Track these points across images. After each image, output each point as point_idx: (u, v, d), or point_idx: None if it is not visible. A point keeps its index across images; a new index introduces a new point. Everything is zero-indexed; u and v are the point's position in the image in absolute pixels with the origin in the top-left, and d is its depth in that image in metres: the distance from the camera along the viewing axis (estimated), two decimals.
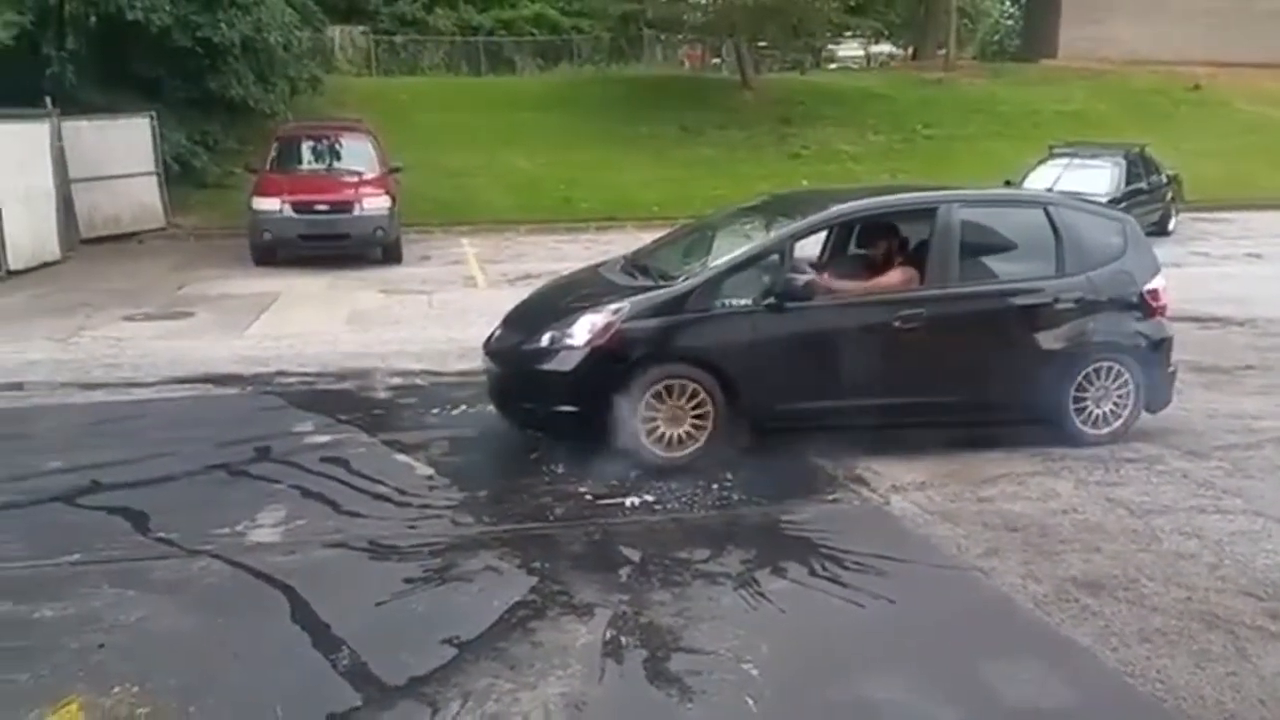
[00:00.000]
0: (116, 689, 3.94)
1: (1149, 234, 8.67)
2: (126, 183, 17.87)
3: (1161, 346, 7.06)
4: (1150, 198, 17.49)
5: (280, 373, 9.05)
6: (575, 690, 3.97)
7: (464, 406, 7.76)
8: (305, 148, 16.87)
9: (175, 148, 18.91)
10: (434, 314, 11.98)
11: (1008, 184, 14.85)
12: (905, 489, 6.10)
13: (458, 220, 19.48)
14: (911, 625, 4.58)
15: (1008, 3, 47.97)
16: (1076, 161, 17.36)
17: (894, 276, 6.91)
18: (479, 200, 20.52)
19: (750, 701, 3.91)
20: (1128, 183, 16.96)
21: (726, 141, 25.14)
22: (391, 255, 15.59)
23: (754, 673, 4.10)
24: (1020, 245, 7.11)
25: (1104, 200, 13.00)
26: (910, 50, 41.17)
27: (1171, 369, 7.16)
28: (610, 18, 31.85)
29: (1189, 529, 5.57)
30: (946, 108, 27.90)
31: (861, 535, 5.48)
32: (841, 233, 7.79)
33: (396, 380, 8.74)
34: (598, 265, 7.94)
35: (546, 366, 6.39)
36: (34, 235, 14.88)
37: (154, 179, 18.36)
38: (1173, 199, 18.58)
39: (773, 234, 6.82)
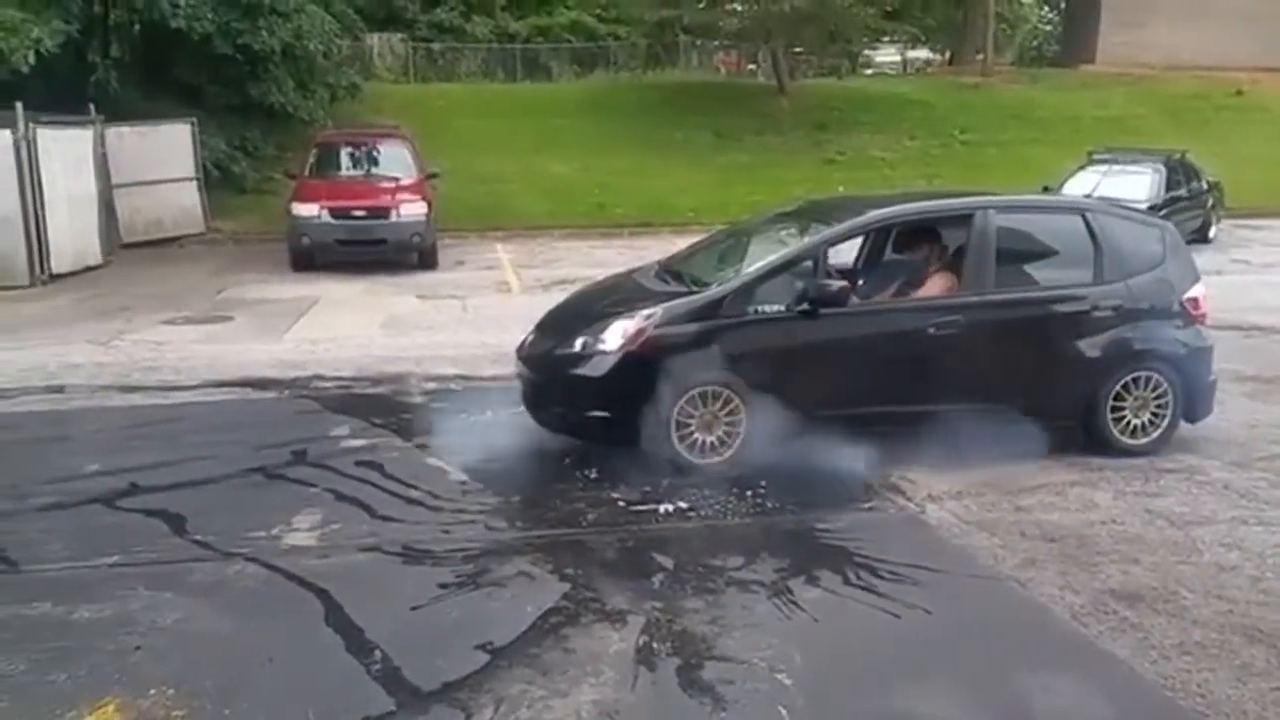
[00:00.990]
0: (153, 691, 3.97)
1: (1189, 241, 8.55)
2: (167, 188, 18.12)
3: (1201, 355, 6.95)
4: (1190, 204, 17.27)
5: (317, 377, 9.12)
6: (608, 698, 3.96)
7: (498, 411, 7.78)
8: (343, 154, 17.03)
9: (215, 153, 19.18)
10: (468, 319, 12.04)
11: (1046, 190, 14.72)
12: (941, 498, 6.05)
13: (493, 226, 19.59)
14: (947, 636, 4.53)
15: (1046, 8, 47.61)
16: (1116, 168, 17.19)
17: (935, 285, 6.86)
18: (514, 206, 20.62)
19: (783, 711, 3.88)
20: (1168, 189, 16.75)
21: (762, 147, 25.08)
22: (427, 260, 15.70)
23: (787, 682, 4.07)
24: (1058, 252, 7.05)
25: (1144, 207, 12.86)
26: (947, 56, 40.93)
27: (1212, 378, 7.04)
28: (646, 24, 31.85)
29: (1230, 541, 5.48)
30: (984, 113, 27.70)
31: (897, 544, 5.44)
32: (877, 238, 7.75)
33: (431, 385, 8.78)
34: (632, 271, 7.94)
35: (579, 371, 6.39)
36: (76, 239, 15.13)
37: (194, 184, 18.61)
38: (1213, 206, 18.34)
39: (806, 240, 6.79)
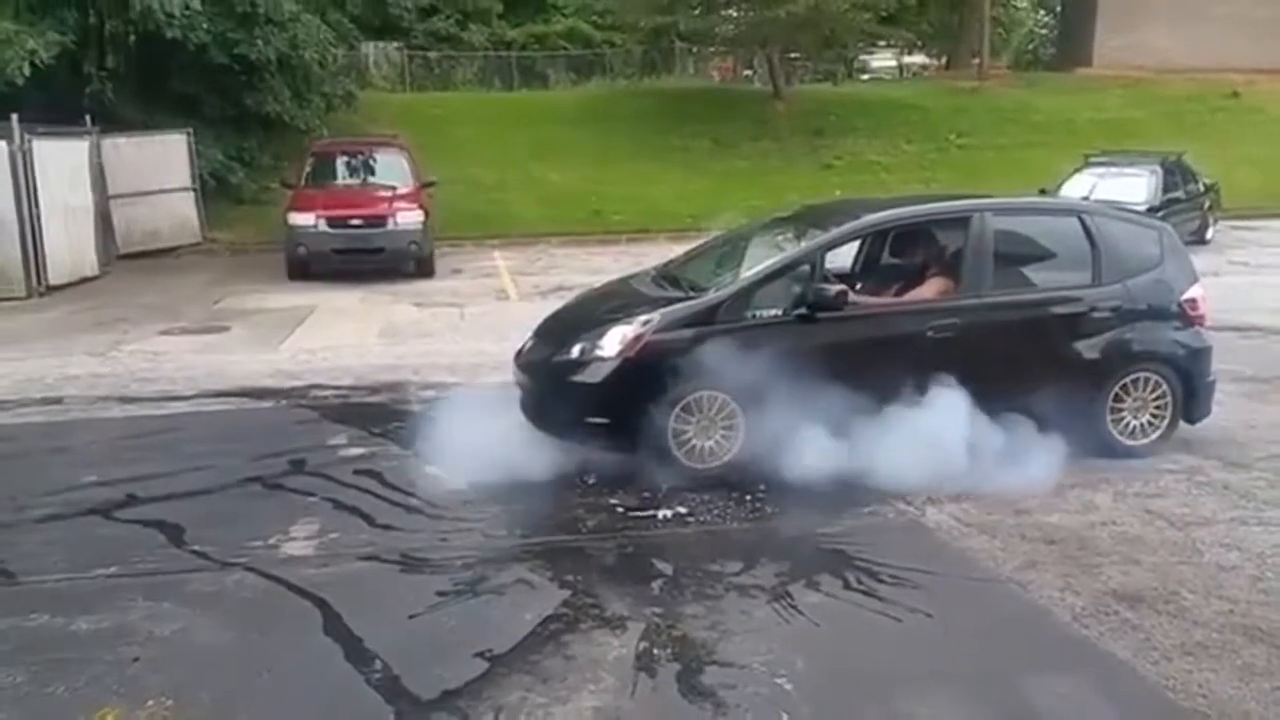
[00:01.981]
0: (151, 702, 3.96)
1: (1187, 243, 8.54)
2: (164, 198, 18.13)
3: (1200, 356, 6.95)
4: (1188, 206, 17.29)
5: (314, 386, 9.11)
6: (608, 704, 3.95)
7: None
8: (340, 163, 17.05)
9: (212, 164, 19.17)
10: (466, 327, 12.03)
11: (1043, 193, 14.71)
12: (941, 501, 6.03)
13: (490, 233, 19.59)
14: (948, 639, 4.53)
15: (1042, 11, 47.68)
16: (1113, 170, 17.20)
17: (930, 288, 6.86)
18: (511, 213, 20.62)
19: (785, 717, 3.86)
20: (1165, 191, 16.77)
21: (759, 153, 25.12)
22: (424, 269, 15.68)
23: (788, 687, 4.06)
24: (1056, 254, 7.05)
25: (1141, 209, 12.86)
26: (944, 60, 40.98)
27: (1211, 379, 7.04)
28: (642, 31, 31.87)
29: (1230, 541, 5.47)
30: (980, 117, 27.73)
31: (897, 548, 5.43)
32: (874, 242, 7.74)
33: (429, 393, 8.77)
34: (629, 277, 7.94)
35: (577, 378, 6.38)
36: (73, 251, 15.12)
37: (191, 195, 18.61)
38: (1211, 207, 18.36)
39: (804, 244, 6.78)
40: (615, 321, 6.50)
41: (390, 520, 5.90)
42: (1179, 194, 17.18)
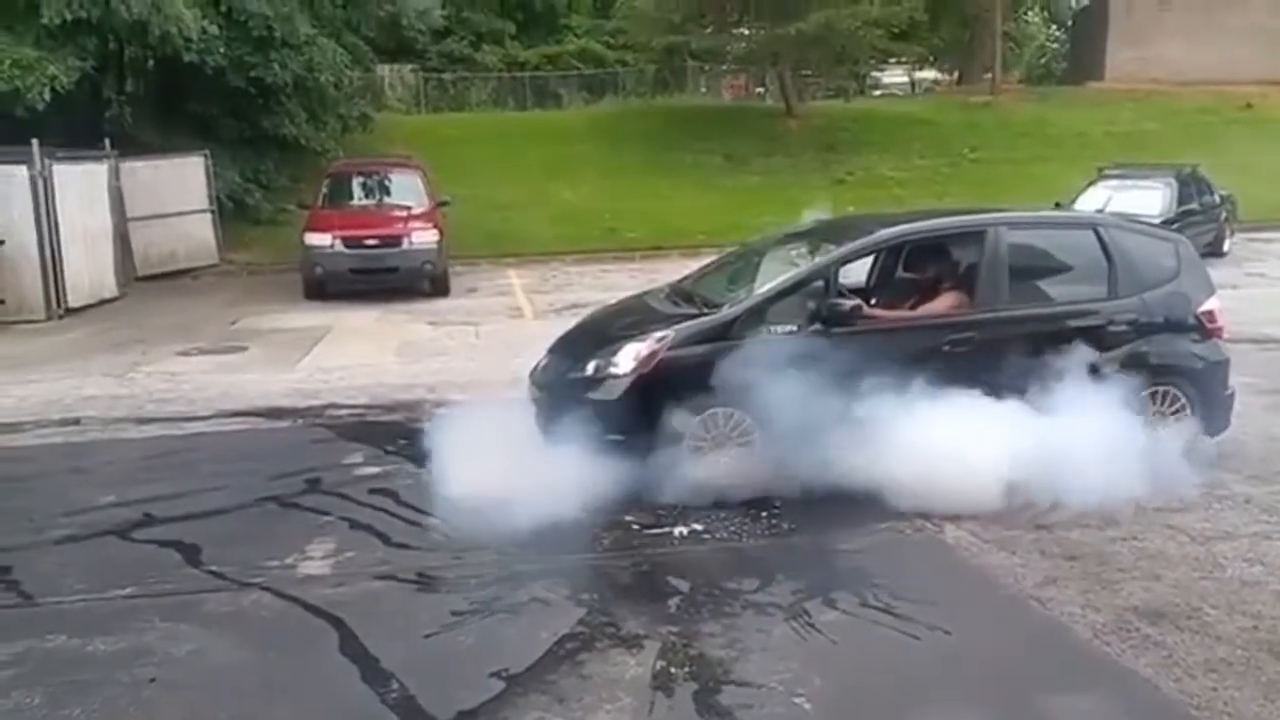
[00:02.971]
0: None
1: (1203, 255, 8.51)
2: (182, 220, 18.24)
3: (1218, 369, 6.90)
4: (1204, 218, 17.19)
5: (330, 405, 9.14)
6: None
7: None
8: (355, 184, 17.15)
9: (229, 185, 19.31)
10: (481, 345, 12.05)
11: (1057, 206, 14.67)
12: (960, 517, 5.97)
13: (504, 252, 19.64)
14: (967, 657, 4.49)
15: (1054, 26, 47.68)
16: (1127, 183, 17.13)
17: (943, 302, 6.83)
18: (525, 232, 20.68)
19: None
20: (1180, 203, 16.68)
21: (771, 169, 25.14)
22: (439, 288, 15.75)
23: (806, 706, 4.03)
24: (1071, 267, 7.01)
25: (1157, 221, 12.80)
26: (956, 75, 41.00)
27: (1229, 392, 6.98)
28: (654, 51, 32.04)
29: (1252, 555, 5.42)
30: (993, 132, 27.73)
31: (915, 565, 5.40)
32: (888, 257, 7.72)
33: (444, 411, 8.76)
34: (643, 294, 7.93)
35: (592, 395, 6.37)
36: (92, 273, 15.24)
37: (208, 216, 18.72)
38: (1227, 219, 18.27)
39: (818, 259, 6.77)
40: (629, 338, 6.50)
41: (406, 539, 5.90)
42: (1194, 206, 17.09)
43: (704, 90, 35.84)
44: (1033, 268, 6.90)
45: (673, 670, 4.33)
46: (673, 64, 34.11)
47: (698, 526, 5.92)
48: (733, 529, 5.91)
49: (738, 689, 4.17)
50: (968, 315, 6.65)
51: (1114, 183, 17.27)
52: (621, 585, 5.27)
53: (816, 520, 5.96)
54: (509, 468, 6.25)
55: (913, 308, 7.04)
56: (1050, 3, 44.51)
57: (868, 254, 7.35)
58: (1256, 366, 9.04)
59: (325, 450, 7.78)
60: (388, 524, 6.12)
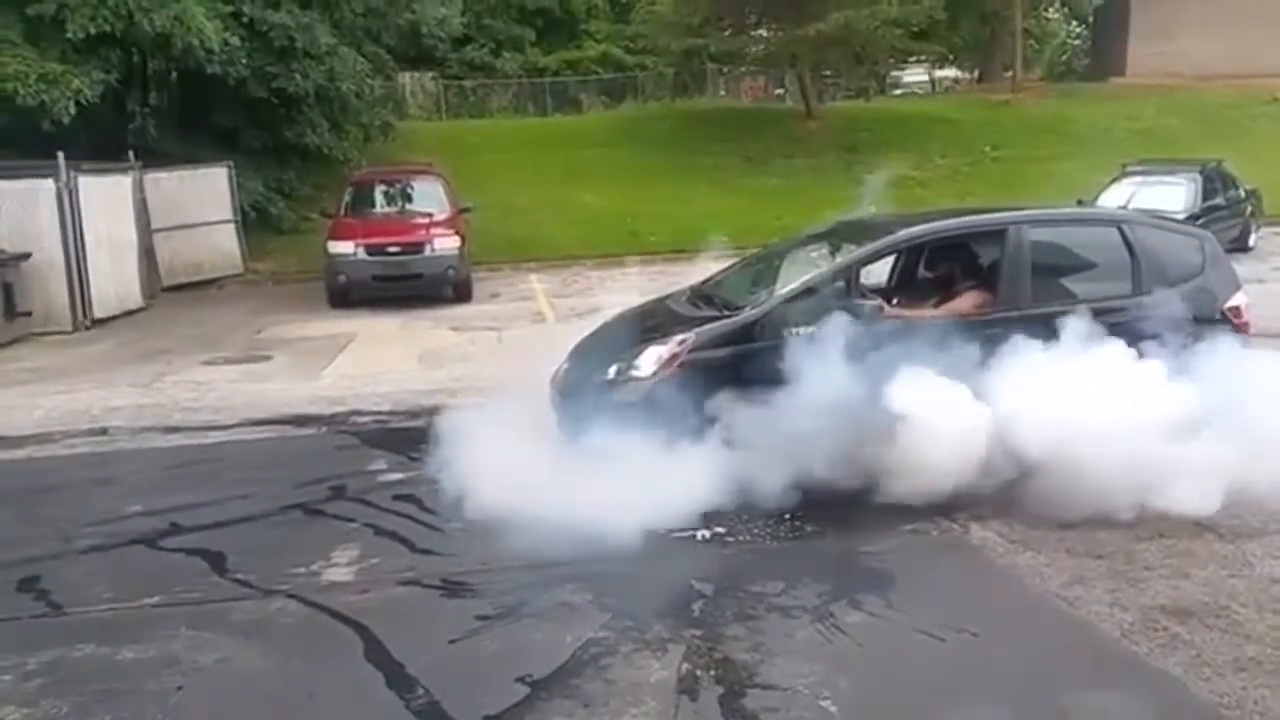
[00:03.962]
0: None
1: (1228, 251, 8.41)
2: (206, 231, 18.38)
3: None
4: (1229, 213, 17.01)
5: (355, 412, 9.18)
6: None
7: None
8: (378, 192, 17.26)
9: (252, 195, 19.44)
10: (503, 350, 12.07)
11: (1080, 203, 14.57)
12: (985, 517, 5.94)
13: (526, 257, 19.69)
14: (994, 658, 4.46)
15: (1075, 22, 47.36)
16: (1151, 179, 16.96)
17: (966, 301, 6.79)
18: (547, 237, 20.69)
19: None
20: (1204, 199, 16.50)
21: (792, 171, 25.09)
22: (462, 293, 15.82)
23: (832, 709, 4.01)
24: (1095, 264, 6.96)
25: (1181, 217, 12.69)
26: (976, 74, 40.80)
27: None
28: (673, 54, 32.08)
29: None
30: (1014, 129, 27.54)
31: (941, 566, 5.37)
32: (910, 257, 7.69)
33: (467, 416, 8.77)
34: (664, 297, 7.93)
35: (614, 398, 6.36)
36: (118, 284, 15.37)
37: (232, 226, 18.85)
38: (1252, 214, 18.06)
39: (838, 260, 6.74)
40: (651, 341, 6.51)
41: (430, 544, 5.92)
42: (1219, 201, 16.90)
43: (723, 93, 35.80)
44: (1055, 265, 6.85)
45: (698, 674, 4.32)
46: (692, 67, 34.12)
47: (721, 529, 5.91)
48: (756, 531, 5.89)
49: (763, 692, 4.15)
50: (991, 314, 6.60)
51: (1137, 179, 17.10)
52: (645, 589, 5.26)
53: (840, 522, 5.93)
54: (531, 472, 6.27)
55: (935, 307, 7.01)
56: None
57: (889, 254, 7.32)
58: None
59: (350, 457, 7.82)
60: (412, 530, 6.14)
